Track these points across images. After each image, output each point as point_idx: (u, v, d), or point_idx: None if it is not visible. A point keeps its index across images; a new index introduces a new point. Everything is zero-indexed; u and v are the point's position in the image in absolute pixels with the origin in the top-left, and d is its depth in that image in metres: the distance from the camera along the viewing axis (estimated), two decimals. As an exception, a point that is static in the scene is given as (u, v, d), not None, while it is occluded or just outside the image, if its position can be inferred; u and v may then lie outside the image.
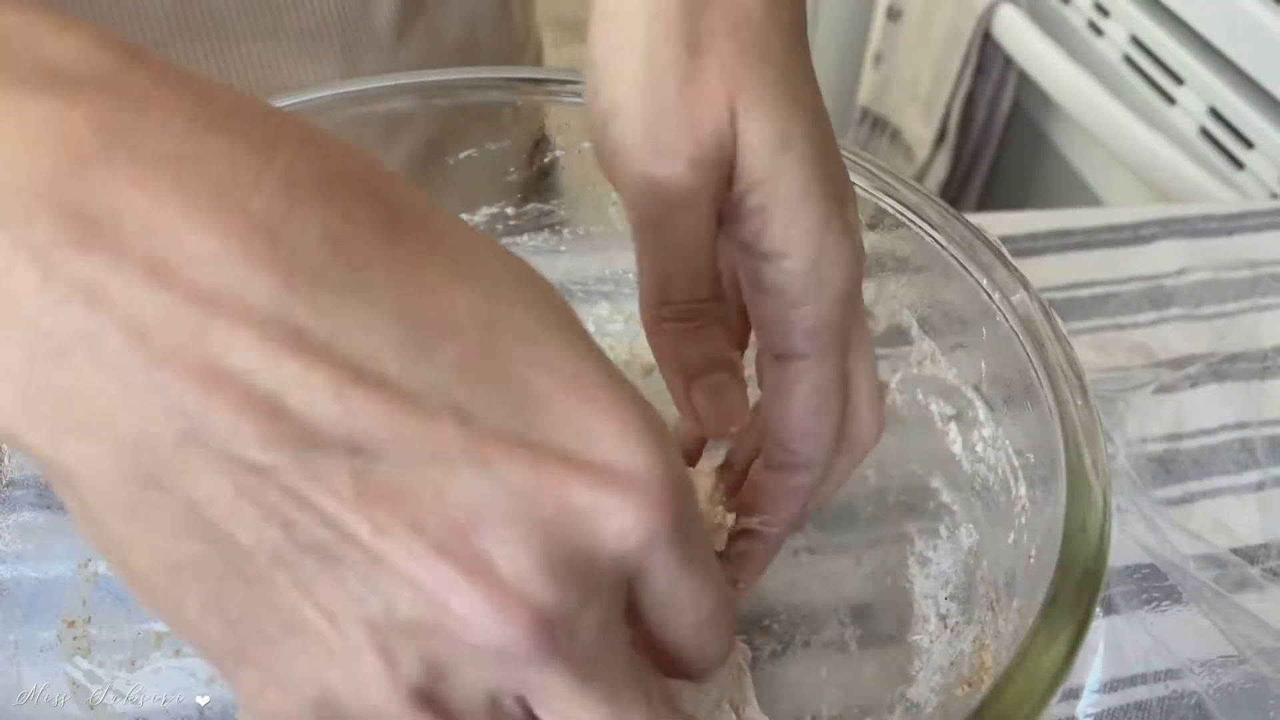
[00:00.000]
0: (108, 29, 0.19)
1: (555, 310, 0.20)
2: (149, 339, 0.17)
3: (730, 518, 0.34)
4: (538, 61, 0.67)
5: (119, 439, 0.18)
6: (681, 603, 0.22)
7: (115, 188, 0.17)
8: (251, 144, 0.18)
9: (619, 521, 0.19)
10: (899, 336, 0.41)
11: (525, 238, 0.45)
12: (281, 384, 0.17)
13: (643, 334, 0.32)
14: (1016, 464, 0.35)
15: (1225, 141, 0.93)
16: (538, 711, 0.20)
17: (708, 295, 0.31)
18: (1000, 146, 1.25)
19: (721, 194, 0.30)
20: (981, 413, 0.38)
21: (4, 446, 0.37)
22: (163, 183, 0.17)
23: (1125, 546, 0.46)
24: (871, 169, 0.39)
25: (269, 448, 0.18)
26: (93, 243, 0.17)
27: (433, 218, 0.20)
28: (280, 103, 0.38)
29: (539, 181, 0.46)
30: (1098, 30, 1.08)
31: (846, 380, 0.32)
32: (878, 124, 1.42)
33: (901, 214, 0.38)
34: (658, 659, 0.24)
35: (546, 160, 0.45)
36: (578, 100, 0.41)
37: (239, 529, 0.18)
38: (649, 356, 0.32)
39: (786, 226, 0.29)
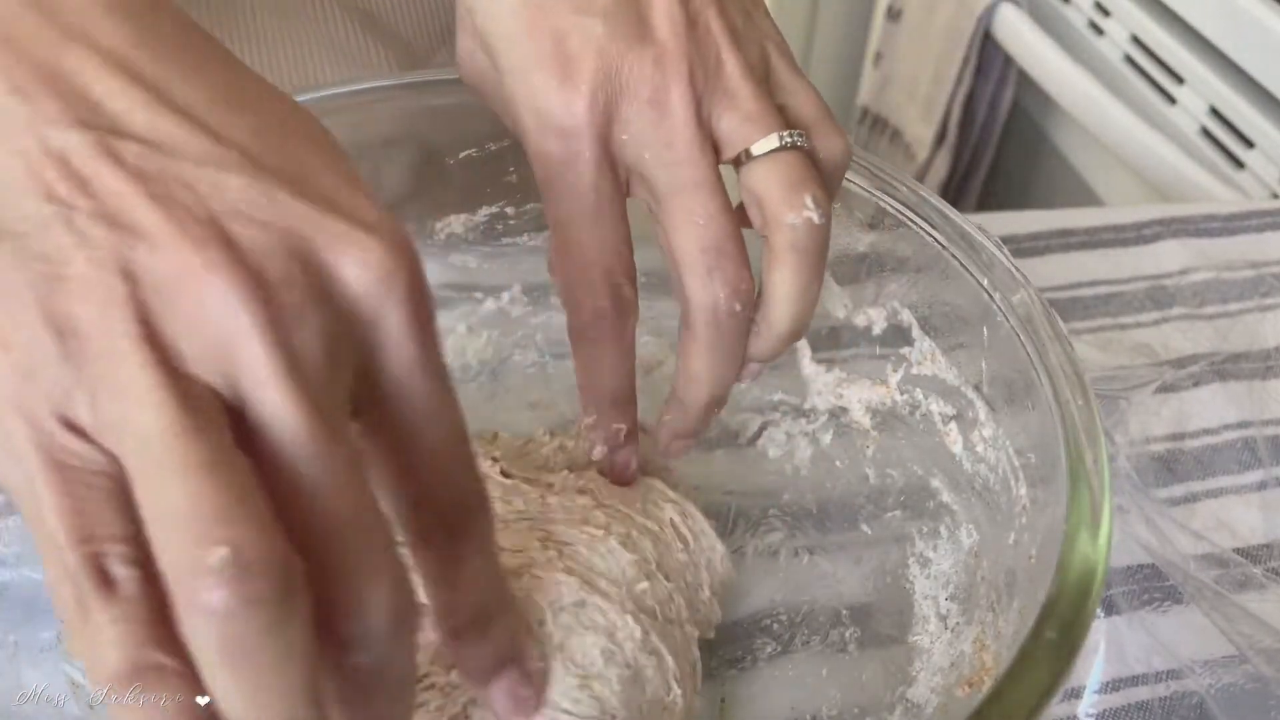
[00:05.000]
0: None
1: (335, 142, 0.25)
2: (11, 42, 0.21)
3: None
4: None
5: None
6: (416, 395, 0.23)
7: None
8: None
9: (361, 252, 0.22)
10: (899, 336, 0.41)
11: (525, 238, 0.45)
12: (106, 92, 0.21)
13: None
14: (1017, 464, 0.35)
15: (1226, 141, 0.93)
16: (241, 385, 0.21)
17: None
18: (1000, 146, 1.25)
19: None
20: (982, 413, 0.38)
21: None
22: None
23: (1126, 546, 0.45)
24: (871, 169, 0.39)
25: (74, 128, 0.21)
26: None
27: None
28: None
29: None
30: (1098, 30, 1.08)
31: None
32: (878, 124, 1.42)
33: (901, 214, 0.38)
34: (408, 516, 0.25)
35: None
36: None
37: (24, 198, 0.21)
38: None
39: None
